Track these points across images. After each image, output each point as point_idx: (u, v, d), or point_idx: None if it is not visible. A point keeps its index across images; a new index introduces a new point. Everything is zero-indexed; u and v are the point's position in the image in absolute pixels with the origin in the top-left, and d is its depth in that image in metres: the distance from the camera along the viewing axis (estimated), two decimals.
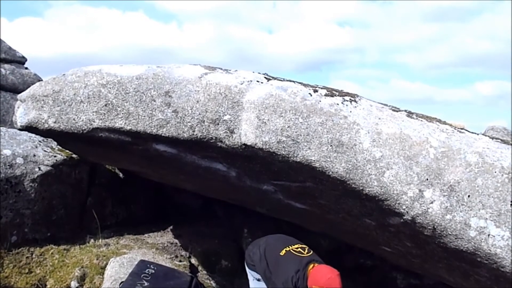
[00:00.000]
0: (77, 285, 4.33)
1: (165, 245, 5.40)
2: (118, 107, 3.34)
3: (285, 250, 3.33)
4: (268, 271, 3.31)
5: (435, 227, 2.88)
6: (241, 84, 3.30)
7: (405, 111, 3.41)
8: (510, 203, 2.69)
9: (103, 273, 4.43)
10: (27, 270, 4.44)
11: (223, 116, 3.20)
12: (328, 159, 2.99)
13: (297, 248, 3.36)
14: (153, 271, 4.22)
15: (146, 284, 3.96)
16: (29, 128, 3.61)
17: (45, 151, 5.16)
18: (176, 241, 5.57)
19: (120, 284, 3.97)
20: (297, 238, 3.71)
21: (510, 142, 3.15)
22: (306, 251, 3.33)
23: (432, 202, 2.85)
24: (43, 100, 3.48)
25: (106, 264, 4.53)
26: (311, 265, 3.18)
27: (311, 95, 3.19)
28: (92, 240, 5.16)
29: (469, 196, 2.78)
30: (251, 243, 3.71)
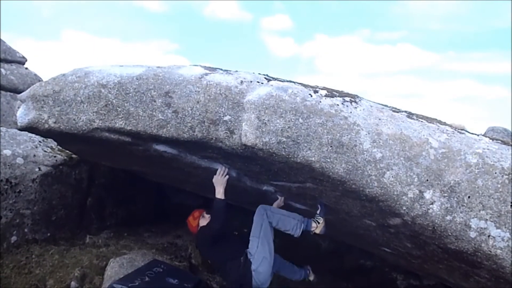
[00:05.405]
0: (76, 285, 4.32)
1: (165, 245, 5.40)
2: (119, 107, 3.34)
3: None
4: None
5: (435, 228, 2.88)
6: (241, 84, 3.30)
7: (405, 112, 3.41)
8: (510, 204, 2.69)
9: (103, 274, 4.43)
10: (26, 270, 4.44)
11: (223, 116, 3.19)
12: (328, 160, 2.99)
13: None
14: (161, 270, 4.27)
15: (146, 279, 4.01)
16: (29, 128, 3.61)
17: (45, 151, 5.16)
18: (176, 241, 5.57)
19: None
20: (297, 238, 3.72)
21: (511, 143, 3.14)
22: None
23: (432, 203, 2.85)
24: (43, 100, 3.48)
25: (106, 264, 4.53)
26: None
27: (311, 96, 3.19)
28: (92, 241, 5.16)
29: (469, 197, 2.78)
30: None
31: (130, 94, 3.33)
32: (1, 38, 8.89)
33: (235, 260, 3.49)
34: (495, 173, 2.78)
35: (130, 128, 3.34)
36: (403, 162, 2.92)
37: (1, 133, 5.07)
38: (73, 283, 4.33)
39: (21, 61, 9.14)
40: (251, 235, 3.49)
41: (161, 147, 3.62)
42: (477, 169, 2.82)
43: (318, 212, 3.61)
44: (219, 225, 3.49)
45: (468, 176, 2.82)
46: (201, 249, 3.86)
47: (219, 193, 3.52)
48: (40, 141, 5.30)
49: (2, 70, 8.46)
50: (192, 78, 3.36)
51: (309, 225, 3.54)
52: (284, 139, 3.03)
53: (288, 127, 3.03)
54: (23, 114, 3.57)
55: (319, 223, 3.55)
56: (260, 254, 3.40)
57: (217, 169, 3.68)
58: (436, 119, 3.44)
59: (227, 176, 3.59)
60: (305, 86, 3.38)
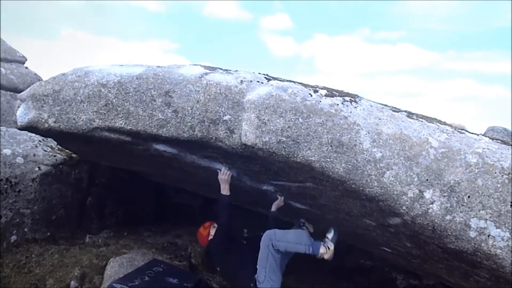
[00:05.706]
0: (76, 285, 4.32)
1: (165, 245, 5.40)
2: (118, 107, 3.34)
3: None
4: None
5: (435, 227, 2.88)
6: (241, 84, 3.30)
7: (405, 111, 3.41)
8: (510, 203, 2.69)
9: (103, 273, 4.43)
10: (26, 270, 4.44)
11: (223, 116, 3.20)
12: (328, 160, 2.99)
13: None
14: (161, 269, 4.28)
15: (146, 279, 4.02)
16: (29, 127, 3.61)
17: (45, 150, 5.17)
18: (176, 241, 5.57)
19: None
20: None
21: (510, 143, 3.14)
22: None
23: (432, 203, 2.85)
24: (43, 99, 3.48)
25: (106, 264, 4.53)
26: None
27: (311, 96, 3.19)
28: (91, 240, 5.16)
29: (469, 196, 2.77)
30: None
31: (130, 94, 3.33)
32: (1, 38, 8.91)
33: (246, 275, 3.54)
34: (495, 172, 2.78)
35: (130, 127, 3.34)
36: (403, 161, 2.92)
37: (1, 132, 5.08)
38: (72, 283, 4.33)
39: (21, 61, 9.15)
40: (258, 264, 3.48)
41: (161, 147, 3.62)
42: (477, 168, 2.82)
43: (330, 237, 3.49)
44: (226, 220, 3.66)
45: (468, 175, 2.82)
46: (215, 255, 3.90)
47: (225, 189, 3.69)
48: (40, 141, 5.30)
49: (2, 69, 8.47)
50: (192, 78, 3.36)
51: (316, 249, 3.42)
52: (284, 139, 3.03)
53: (288, 127, 3.04)
54: (23, 113, 3.57)
55: (329, 248, 3.43)
56: (268, 284, 3.44)
57: (217, 169, 3.70)
58: (436, 119, 3.44)
59: (230, 173, 3.72)
60: (305, 85, 3.38)
